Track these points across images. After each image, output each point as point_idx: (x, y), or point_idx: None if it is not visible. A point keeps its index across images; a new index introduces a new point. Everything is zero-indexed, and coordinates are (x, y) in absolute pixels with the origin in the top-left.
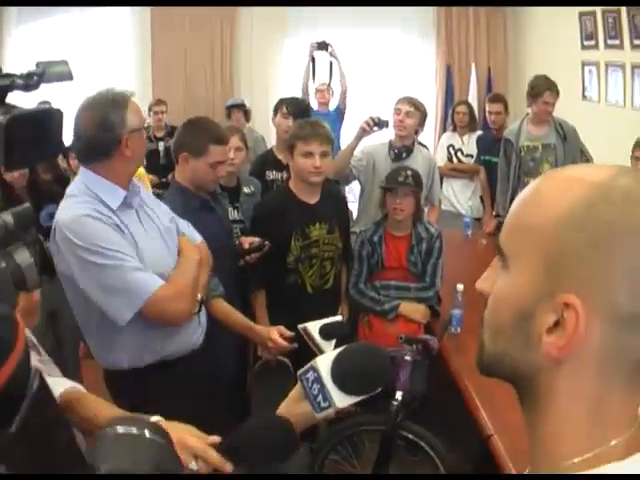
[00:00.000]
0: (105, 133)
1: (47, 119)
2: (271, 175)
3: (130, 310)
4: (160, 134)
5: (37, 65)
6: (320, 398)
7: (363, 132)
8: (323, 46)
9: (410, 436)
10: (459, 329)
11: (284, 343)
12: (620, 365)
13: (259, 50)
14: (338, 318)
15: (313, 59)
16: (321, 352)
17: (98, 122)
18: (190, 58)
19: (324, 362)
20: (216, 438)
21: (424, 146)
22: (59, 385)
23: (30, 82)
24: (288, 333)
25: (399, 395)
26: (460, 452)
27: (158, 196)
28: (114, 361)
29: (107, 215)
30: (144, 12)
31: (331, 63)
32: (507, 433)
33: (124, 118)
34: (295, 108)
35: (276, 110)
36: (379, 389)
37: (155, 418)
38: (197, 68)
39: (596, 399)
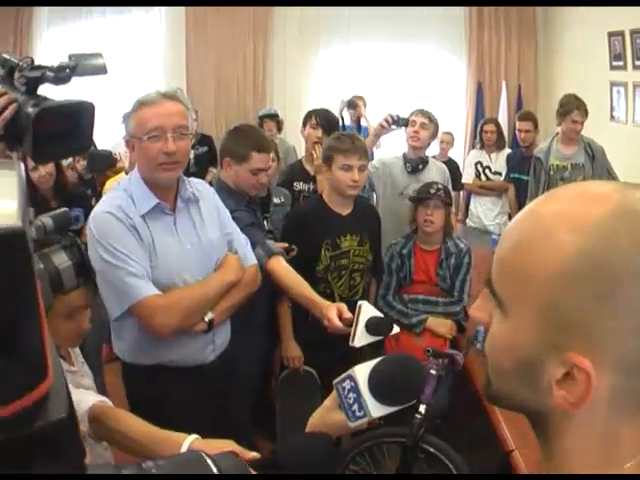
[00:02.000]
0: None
1: (78, 112)
2: (298, 186)
3: (118, 309)
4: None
5: (70, 57)
6: (355, 407)
7: (381, 129)
8: (352, 105)
9: (431, 449)
10: (482, 323)
11: (339, 325)
12: (629, 402)
13: (292, 61)
14: (388, 319)
15: (342, 117)
16: (353, 338)
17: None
18: (223, 68)
19: (362, 371)
20: (255, 455)
21: (454, 162)
22: (87, 398)
23: (61, 75)
24: (348, 315)
25: (422, 408)
26: (481, 467)
27: None
28: (118, 349)
29: (130, 217)
30: (178, 21)
31: (359, 121)
32: (529, 449)
33: (129, 122)
34: (324, 120)
35: (305, 121)
36: (413, 401)
37: (192, 437)
38: (230, 78)
39: (607, 435)
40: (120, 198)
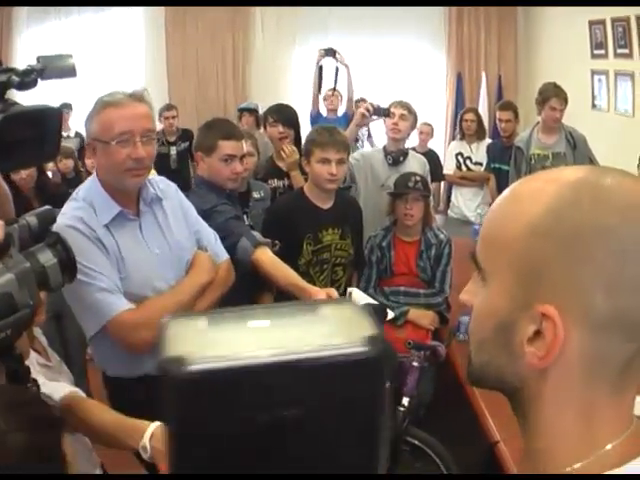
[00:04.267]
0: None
1: (45, 119)
2: (273, 183)
3: (93, 328)
4: (172, 138)
5: (38, 60)
6: None
7: (362, 118)
8: (330, 52)
9: (416, 442)
10: (467, 336)
11: None
12: (605, 369)
13: (270, 56)
14: (383, 305)
15: (321, 66)
16: None
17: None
18: (203, 63)
19: None
20: None
21: (434, 153)
22: (60, 389)
23: (27, 79)
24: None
25: (405, 401)
26: (466, 459)
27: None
28: (99, 363)
29: (93, 229)
30: (158, 16)
31: (337, 69)
32: (514, 440)
33: (91, 123)
34: (279, 114)
35: (264, 123)
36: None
37: (155, 424)
38: (210, 73)
39: (584, 405)
40: (81, 209)
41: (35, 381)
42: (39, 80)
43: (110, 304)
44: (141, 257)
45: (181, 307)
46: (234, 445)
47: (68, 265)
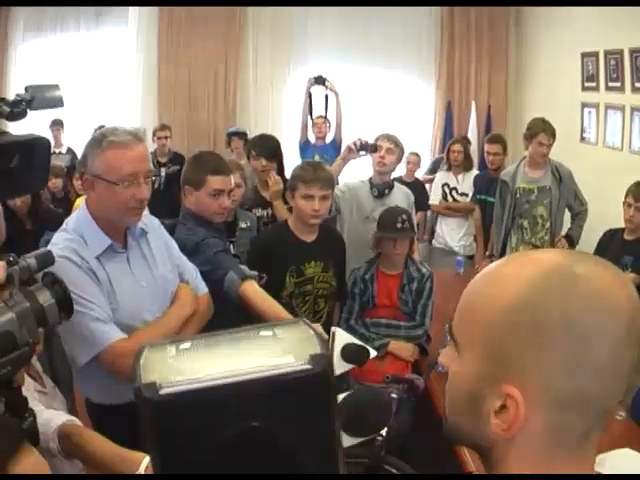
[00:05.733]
0: (82, 168)
1: (33, 149)
2: (257, 212)
3: (85, 356)
4: (163, 160)
5: (26, 89)
6: None
7: (349, 152)
8: (320, 80)
9: (392, 470)
10: (446, 369)
11: None
12: (565, 439)
13: (262, 81)
14: (365, 347)
15: (310, 94)
16: None
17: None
18: (195, 86)
19: None
20: None
21: (421, 183)
22: (57, 418)
23: (17, 110)
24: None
25: (384, 431)
26: None
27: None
28: (85, 391)
29: (86, 260)
30: (151, 35)
31: (327, 96)
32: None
33: (94, 160)
34: (262, 148)
35: (248, 154)
36: (379, 432)
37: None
38: (201, 96)
39: (546, 469)
40: (72, 241)
41: (32, 411)
42: (28, 111)
43: (104, 333)
44: (130, 289)
45: (167, 338)
46: (207, 454)
47: (65, 304)
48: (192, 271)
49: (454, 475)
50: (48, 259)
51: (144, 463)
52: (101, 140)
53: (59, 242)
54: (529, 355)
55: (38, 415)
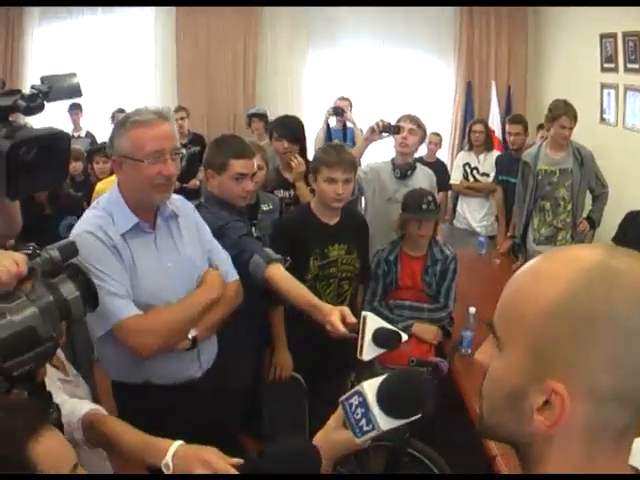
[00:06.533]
0: (110, 151)
1: (54, 143)
2: (280, 193)
3: (101, 329)
4: (183, 141)
5: (42, 81)
6: (363, 422)
7: (372, 133)
8: (339, 112)
9: (416, 454)
10: (469, 350)
11: (343, 330)
12: (604, 434)
13: (281, 63)
14: (397, 331)
15: (328, 125)
16: (361, 351)
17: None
18: (212, 66)
19: (370, 387)
20: (239, 460)
21: (442, 163)
22: (81, 406)
23: (34, 104)
24: (351, 319)
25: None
26: (464, 471)
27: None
28: (104, 367)
29: (111, 237)
30: (168, 19)
31: (345, 126)
32: (511, 454)
33: (120, 140)
34: (285, 130)
35: (270, 135)
36: (420, 414)
37: (178, 443)
38: (219, 77)
39: (584, 464)
40: (100, 217)
41: (56, 406)
42: (45, 103)
43: (118, 308)
44: (154, 268)
45: (189, 319)
46: None
47: (89, 296)
48: (223, 257)
49: (453, 475)
50: (72, 250)
51: (171, 450)
52: (125, 121)
53: (88, 219)
54: (574, 350)
55: (61, 405)
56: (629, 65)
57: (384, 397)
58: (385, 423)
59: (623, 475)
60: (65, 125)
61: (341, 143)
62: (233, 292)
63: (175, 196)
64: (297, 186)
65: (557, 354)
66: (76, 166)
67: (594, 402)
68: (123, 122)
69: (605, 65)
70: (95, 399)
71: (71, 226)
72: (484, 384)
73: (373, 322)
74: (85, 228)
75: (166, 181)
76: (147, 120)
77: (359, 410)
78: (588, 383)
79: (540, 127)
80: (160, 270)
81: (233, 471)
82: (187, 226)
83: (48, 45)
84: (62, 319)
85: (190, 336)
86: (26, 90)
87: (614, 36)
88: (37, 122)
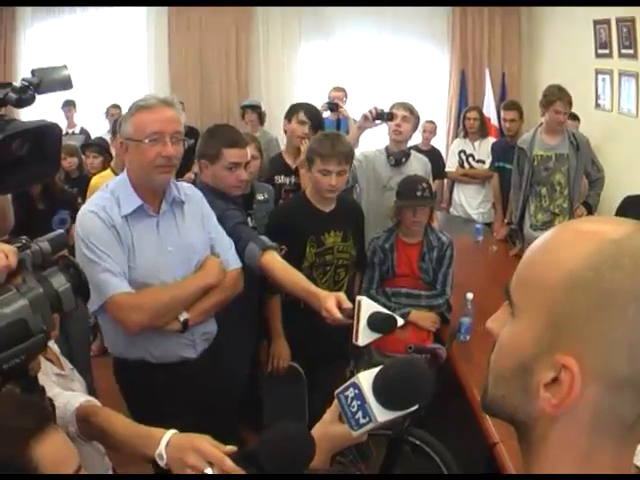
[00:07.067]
0: (117, 135)
1: (44, 136)
2: (279, 179)
3: (94, 304)
4: None
5: (33, 73)
6: (360, 415)
7: (365, 121)
8: (333, 108)
9: (417, 442)
10: (468, 337)
11: (339, 316)
12: (612, 423)
13: (274, 53)
14: (392, 315)
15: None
16: (357, 336)
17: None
18: (205, 60)
19: (366, 378)
20: (232, 448)
21: (437, 151)
22: (75, 399)
23: (24, 96)
24: (347, 304)
25: None
26: (466, 458)
27: None
28: (106, 343)
29: (112, 218)
30: (161, 13)
31: (339, 121)
32: (512, 441)
33: (125, 124)
34: (312, 115)
35: (290, 116)
36: (417, 405)
37: (171, 432)
38: (212, 70)
39: (586, 453)
40: (105, 199)
41: (50, 401)
42: (36, 95)
43: (111, 284)
44: (153, 251)
45: (178, 300)
46: None
47: (81, 288)
48: (226, 245)
49: (454, 475)
50: (62, 242)
51: (164, 440)
52: (132, 107)
53: (94, 199)
54: (593, 325)
55: (55, 398)
56: (623, 51)
57: (380, 388)
58: (382, 415)
59: (624, 475)
60: (59, 122)
61: (337, 132)
62: (232, 280)
63: (186, 184)
64: (301, 173)
65: (573, 328)
66: (71, 162)
67: (606, 387)
68: (130, 108)
69: (599, 51)
70: (93, 394)
71: (63, 220)
72: (492, 356)
73: (368, 307)
74: (89, 208)
75: (166, 162)
76: (150, 104)
77: (355, 402)
78: (602, 365)
79: None
80: (159, 253)
81: (227, 460)
82: (193, 213)
83: (41, 42)
84: (54, 311)
85: (181, 319)
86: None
87: (608, 22)
88: (31, 119)
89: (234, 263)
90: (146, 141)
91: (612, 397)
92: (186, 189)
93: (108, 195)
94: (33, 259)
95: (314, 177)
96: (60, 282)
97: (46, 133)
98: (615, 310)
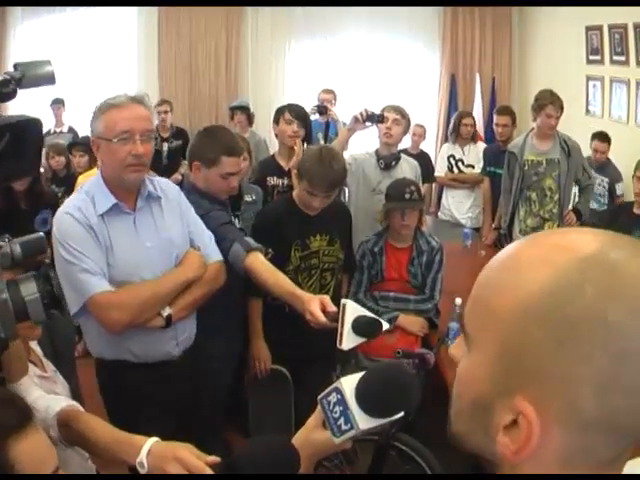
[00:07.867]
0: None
1: (24, 131)
2: (272, 181)
3: (75, 305)
4: (165, 135)
5: (15, 67)
6: (342, 421)
7: (355, 123)
8: (322, 111)
9: (403, 447)
10: (455, 342)
11: (323, 319)
12: (588, 462)
13: (263, 54)
14: (378, 319)
15: (310, 122)
16: (341, 340)
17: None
18: (195, 59)
19: (348, 383)
20: (215, 458)
21: (427, 155)
22: (56, 403)
23: (6, 90)
24: (332, 308)
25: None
26: (452, 463)
27: None
28: (87, 344)
29: (88, 218)
30: (151, 13)
31: (328, 124)
32: None
33: (96, 123)
34: (298, 113)
35: (277, 118)
36: (402, 412)
37: (152, 440)
38: (202, 70)
39: None
40: (81, 200)
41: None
42: (18, 90)
43: (90, 284)
44: (131, 248)
45: (159, 296)
46: None
47: (52, 301)
48: (206, 238)
49: (453, 475)
50: (37, 246)
51: (145, 448)
52: (102, 105)
53: (69, 201)
54: (551, 363)
55: (36, 402)
56: (615, 57)
57: (363, 394)
58: (364, 422)
59: (624, 475)
60: (47, 119)
61: (331, 150)
62: (213, 273)
63: (163, 180)
64: (294, 174)
65: (531, 364)
66: (59, 161)
67: (573, 431)
68: (100, 106)
69: (591, 57)
70: (77, 396)
71: (46, 220)
72: (454, 385)
73: (353, 310)
74: (64, 210)
75: (137, 160)
76: (119, 102)
77: (337, 408)
78: (565, 407)
79: None
80: (138, 250)
81: (208, 470)
82: (170, 207)
83: (31, 41)
84: (19, 320)
85: (164, 314)
86: None
87: (600, 28)
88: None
89: (215, 256)
90: (115, 140)
91: (583, 438)
92: (162, 184)
93: (83, 195)
94: (2, 261)
95: (300, 191)
96: (30, 290)
97: (27, 129)
98: (576, 344)
